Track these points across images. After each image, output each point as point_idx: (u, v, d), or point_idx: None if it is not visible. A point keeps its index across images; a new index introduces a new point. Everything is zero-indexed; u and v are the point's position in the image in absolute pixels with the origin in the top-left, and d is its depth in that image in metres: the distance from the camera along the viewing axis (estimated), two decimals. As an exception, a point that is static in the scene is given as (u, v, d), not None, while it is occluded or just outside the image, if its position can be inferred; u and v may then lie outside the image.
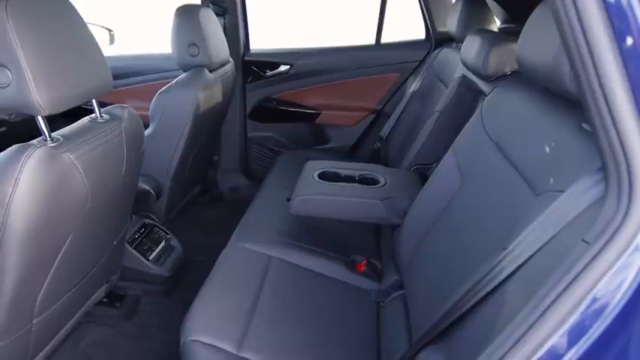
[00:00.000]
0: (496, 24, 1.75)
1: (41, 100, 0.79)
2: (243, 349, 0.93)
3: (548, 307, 0.49)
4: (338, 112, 2.20)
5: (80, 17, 0.92)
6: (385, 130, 2.03)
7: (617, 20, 0.45)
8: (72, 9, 0.90)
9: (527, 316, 0.50)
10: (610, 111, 0.46)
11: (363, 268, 1.31)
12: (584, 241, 0.50)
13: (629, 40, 0.45)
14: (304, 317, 1.07)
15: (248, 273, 1.17)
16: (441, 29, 2.04)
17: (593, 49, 0.45)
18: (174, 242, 1.66)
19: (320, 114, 2.21)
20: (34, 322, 0.97)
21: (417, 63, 2.10)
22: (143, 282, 1.53)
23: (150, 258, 1.53)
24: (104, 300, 1.43)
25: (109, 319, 1.47)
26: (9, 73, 0.77)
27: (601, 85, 0.46)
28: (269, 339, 0.98)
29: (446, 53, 1.87)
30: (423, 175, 1.47)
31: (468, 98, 1.41)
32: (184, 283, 1.60)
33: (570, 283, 0.48)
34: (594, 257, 0.48)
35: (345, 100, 2.19)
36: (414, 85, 1.98)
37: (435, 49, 2.05)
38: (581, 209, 0.55)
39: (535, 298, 0.50)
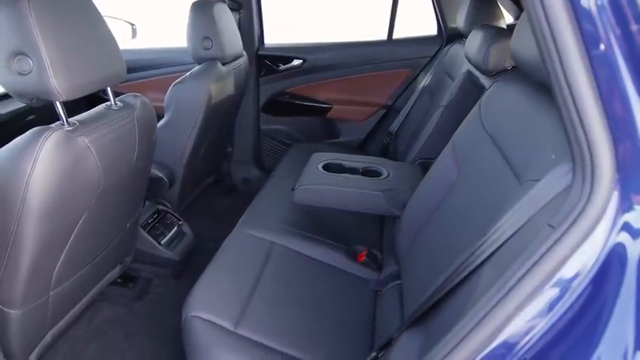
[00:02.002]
0: (504, 20, 1.75)
1: (59, 86, 0.86)
2: (240, 327, 0.98)
3: (512, 288, 0.51)
4: (349, 107, 2.23)
5: (97, 11, 0.98)
6: (395, 126, 2.05)
7: (585, 22, 0.47)
8: (89, 3, 0.96)
9: (492, 296, 0.53)
10: (577, 110, 0.48)
11: (363, 258, 1.34)
12: (549, 225, 0.52)
13: (595, 38, 0.48)
14: (302, 301, 1.11)
15: (251, 257, 1.22)
16: (453, 25, 2.04)
17: (561, 50, 0.48)
18: (186, 229, 1.73)
19: (331, 108, 2.25)
20: (50, 294, 1.04)
21: (429, 59, 2.11)
22: (154, 265, 1.60)
23: (162, 242, 1.60)
24: (118, 280, 1.51)
25: (121, 298, 1.55)
26: (30, 61, 0.84)
27: (568, 84, 0.48)
28: (266, 319, 1.03)
29: (456, 49, 1.87)
30: (426, 168, 1.49)
31: (472, 93, 1.42)
32: (193, 268, 1.66)
33: (534, 265, 0.51)
34: (557, 240, 0.50)
35: (356, 95, 2.21)
36: (424, 81, 1.99)
37: (446, 45, 2.05)
38: (552, 196, 0.57)
39: (501, 279, 0.53)
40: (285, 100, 2.25)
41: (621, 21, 0.47)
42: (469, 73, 1.50)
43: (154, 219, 1.65)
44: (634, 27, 0.47)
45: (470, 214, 0.88)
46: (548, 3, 0.47)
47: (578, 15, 0.47)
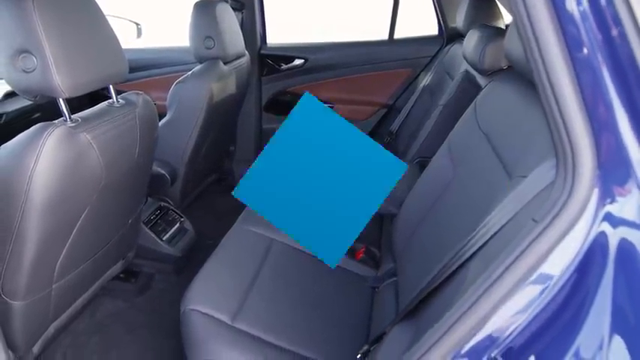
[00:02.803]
0: (503, 20, 1.76)
1: (62, 84, 0.88)
2: (237, 321, 1.00)
3: (495, 280, 0.53)
4: (350, 107, 2.25)
5: (100, 10, 1.00)
6: (395, 125, 2.06)
7: (567, 24, 0.49)
8: (92, 2, 0.99)
9: (477, 288, 0.54)
10: (560, 109, 0.50)
11: (361, 255, 1.35)
12: (533, 220, 0.54)
13: (577, 39, 0.49)
14: (300, 297, 1.13)
15: (250, 253, 1.23)
16: (453, 25, 2.05)
17: (543, 50, 0.49)
18: (188, 225, 1.75)
19: (332, 107, 2.26)
20: (53, 287, 1.07)
21: (429, 58, 2.12)
22: (156, 260, 1.63)
23: (163, 238, 1.63)
24: (120, 275, 1.54)
25: (123, 293, 1.57)
26: (34, 59, 0.86)
27: (551, 84, 0.50)
28: (264, 314, 1.04)
29: (456, 49, 1.88)
30: (424, 167, 1.49)
31: (469, 92, 1.43)
32: (194, 264, 1.67)
33: (516, 258, 0.52)
34: (540, 234, 0.51)
35: (357, 95, 2.23)
36: (424, 81, 2.00)
37: (446, 45, 2.06)
38: (537, 191, 0.59)
39: (486, 272, 0.55)
40: (286, 99, 2.27)
41: (602, 24, 0.48)
42: (467, 72, 1.51)
43: (156, 215, 1.67)
44: (614, 31, 0.49)
45: (463, 211, 0.90)
46: (530, 3, 0.49)
47: (560, 16, 0.49)
